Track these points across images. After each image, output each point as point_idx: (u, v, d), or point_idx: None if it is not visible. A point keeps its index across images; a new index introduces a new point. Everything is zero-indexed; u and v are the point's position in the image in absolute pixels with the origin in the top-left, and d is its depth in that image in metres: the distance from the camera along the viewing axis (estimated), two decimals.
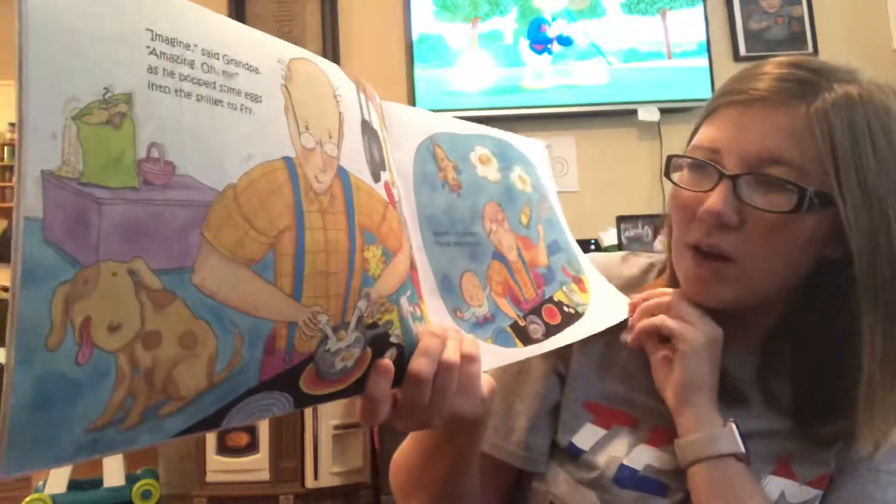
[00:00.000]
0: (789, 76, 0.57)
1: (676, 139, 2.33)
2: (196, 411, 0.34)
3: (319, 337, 0.39)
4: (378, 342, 0.43)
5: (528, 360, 0.57)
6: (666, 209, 0.68)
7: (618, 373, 0.67)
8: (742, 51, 2.57)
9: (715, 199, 0.57)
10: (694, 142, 0.62)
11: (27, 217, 0.28)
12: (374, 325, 0.43)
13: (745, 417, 0.60)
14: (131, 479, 2.19)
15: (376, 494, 2.08)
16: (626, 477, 0.62)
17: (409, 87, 2.48)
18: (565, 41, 2.49)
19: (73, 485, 2.15)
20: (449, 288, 0.53)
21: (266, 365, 0.37)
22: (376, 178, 0.46)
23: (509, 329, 0.56)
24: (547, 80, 2.48)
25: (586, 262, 0.70)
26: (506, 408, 0.67)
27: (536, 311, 0.59)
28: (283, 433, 2.08)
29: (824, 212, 0.55)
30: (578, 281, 0.66)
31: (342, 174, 0.43)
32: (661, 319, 0.62)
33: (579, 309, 0.63)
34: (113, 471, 2.16)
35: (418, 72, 2.46)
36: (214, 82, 0.36)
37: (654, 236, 2.26)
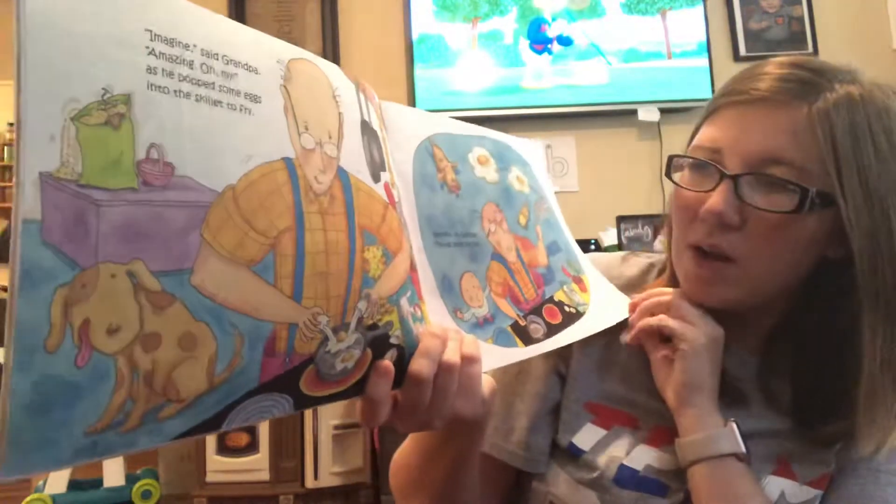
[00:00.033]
0: (790, 76, 0.57)
1: (676, 139, 2.33)
2: (196, 413, 0.34)
3: (320, 338, 0.39)
4: (378, 343, 0.43)
5: (528, 360, 0.57)
6: (666, 209, 0.68)
7: (618, 373, 0.67)
8: (742, 51, 2.57)
9: (716, 199, 0.57)
10: (695, 142, 0.61)
11: (25, 219, 0.28)
12: (374, 327, 0.43)
13: (746, 417, 0.60)
14: (131, 479, 2.19)
15: (376, 494, 2.08)
16: (627, 477, 0.62)
17: (409, 87, 2.48)
18: (565, 41, 2.49)
19: (74, 485, 2.15)
20: (449, 289, 0.53)
21: (266, 366, 0.36)
22: (376, 179, 0.46)
23: (510, 329, 0.56)
24: (547, 80, 2.48)
25: (586, 261, 0.70)
26: (506, 408, 0.67)
27: (537, 310, 0.59)
28: (283, 433, 2.08)
29: (825, 212, 0.55)
30: (579, 281, 0.66)
31: (342, 175, 0.42)
32: (661, 319, 0.61)
33: (580, 308, 0.63)
34: (113, 471, 2.16)
35: (418, 72, 2.46)
36: (214, 83, 0.36)
37: (654, 236, 2.26)
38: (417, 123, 0.56)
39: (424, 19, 2.48)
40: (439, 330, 0.48)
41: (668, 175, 0.63)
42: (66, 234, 0.29)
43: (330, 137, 0.42)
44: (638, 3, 2.51)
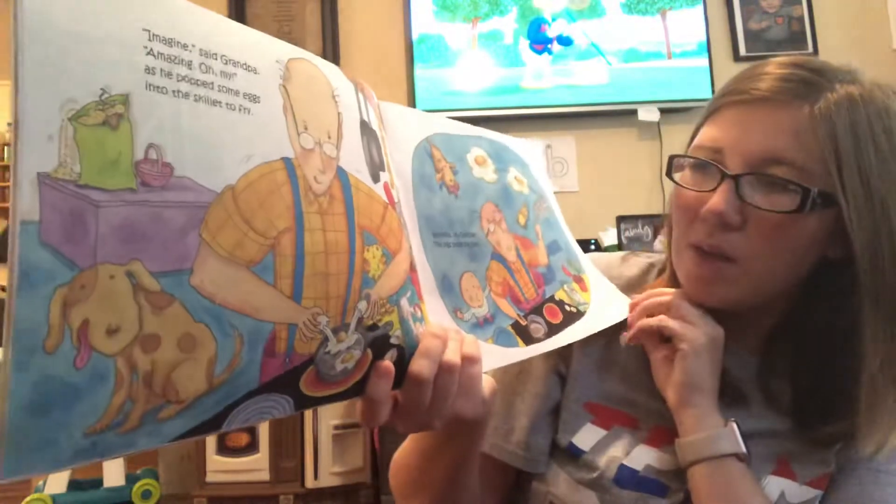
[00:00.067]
0: (791, 76, 0.57)
1: (676, 139, 2.33)
2: (195, 414, 0.34)
3: (320, 339, 0.39)
4: (378, 344, 0.43)
5: (529, 359, 0.57)
6: (666, 209, 0.68)
7: (618, 373, 0.67)
8: (742, 51, 2.56)
9: (717, 199, 0.56)
10: (696, 142, 0.61)
11: (23, 220, 0.28)
12: (374, 327, 0.43)
13: (746, 417, 0.60)
14: (131, 479, 2.19)
15: (376, 494, 2.08)
16: (626, 477, 0.62)
17: (409, 87, 2.48)
18: (565, 41, 2.49)
19: (73, 485, 2.15)
20: (449, 288, 0.53)
21: (266, 367, 0.36)
22: (375, 179, 0.46)
23: (510, 329, 0.55)
24: (547, 80, 2.48)
25: (587, 261, 0.70)
26: (506, 408, 0.67)
27: (538, 310, 0.59)
28: (283, 433, 2.08)
29: (826, 212, 0.55)
30: (579, 280, 0.66)
31: (341, 175, 0.42)
32: (661, 320, 0.61)
33: (581, 308, 0.63)
34: (113, 471, 2.16)
35: (418, 72, 2.46)
36: (212, 83, 0.36)
37: (654, 236, 2.26)
38: (415, 124, 0.56)
39: (424, 19, 2.48)
40: (440, 330, 0.48)
41: (669, 175, 0.63)
42: (65, 234, 0.29)
43: (329, 137, 0.42)
44: (638, 3, 2.51)
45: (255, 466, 2.06)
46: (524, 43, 2.49)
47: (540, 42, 2.49)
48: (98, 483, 2.17)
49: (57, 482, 2.10)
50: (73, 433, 0.29)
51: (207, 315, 0.33)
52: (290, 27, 2.51)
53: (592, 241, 2.30)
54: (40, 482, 2.14)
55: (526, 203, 0.63)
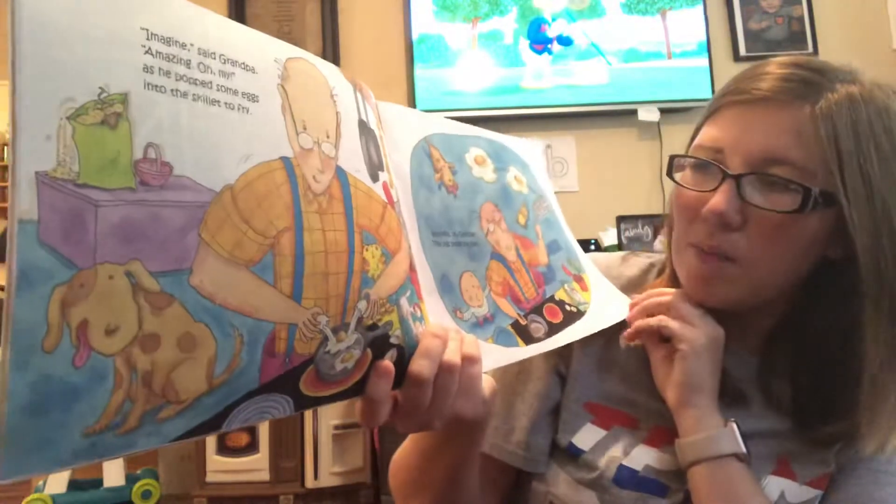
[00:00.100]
0: (792, 76, 0.56)
1: (676, 139, 2.33)
2: (195, 415, 0.34)
3: (319, 338, 0.39)
4: (378, 343, 0.43)
5: (529, 359, 0.57)
6: (666, 209, 0.68)
7: (618, 373, 0.67)
8: (742, 51, 2.56)
9: (718, 199, 0.56)
10: (696, 141, 0.61)
11: (22, 219, 0.28)
12: (374, 327, 0.42)
13: (746, 417, 0.60)
14: (131, 479, 2.19)
15: (376, 494, 2.08)
16: (626, 477, 0.62)
17: (409, 87, 2.48)
18: (565, 41, 2.49)
19: (73, 485, 2.15)
20: (448, 288, 0.53)
21: (266, 367, 0.36)
22: (374, 179, 0.46)
23: (511, 328, 0.55)
24: (547, 80, 2.48)
25: (587, 260, 0.70)
26: (506, 408, 0.67)
27: (538, 309, 0.59)
28: (283, 433, 2.08)
29: (827, 212, 0.55)
30: (579, 279, 0.66)
31: (340, 174, 0.42)
32: (661, 320, 0.61)
33: (581, 307, 0.63)
34: (113, 471, 2.16)
35: (418, 72, 2.46)
36: (211, 82, 0.36)
37: (654, 236, 2.26)
38: (414, 124, 0.56)
39: (424, 19, 2.48)
40: (439, 330, 0.47)
41: (670, 175, 0.63)
42: (64, 234, 0.29)
43: (328, 137, 0.42)
44: (638, 3, 2.50)
45: (255, 466, 2.06)
46: (524, 43, 2.49)
47: (540, 42, 2.49)
48: (98, 483, 2.17)
49: (57, 482, 2.10)
50: (72, 433, 0.29)
51: (207, 315, 0.33)
52: (290, 27, 2.51)
53: (592, 241, 2.30)
54: (40, 482, 2.14)
55: (525, 203, 0.63)
